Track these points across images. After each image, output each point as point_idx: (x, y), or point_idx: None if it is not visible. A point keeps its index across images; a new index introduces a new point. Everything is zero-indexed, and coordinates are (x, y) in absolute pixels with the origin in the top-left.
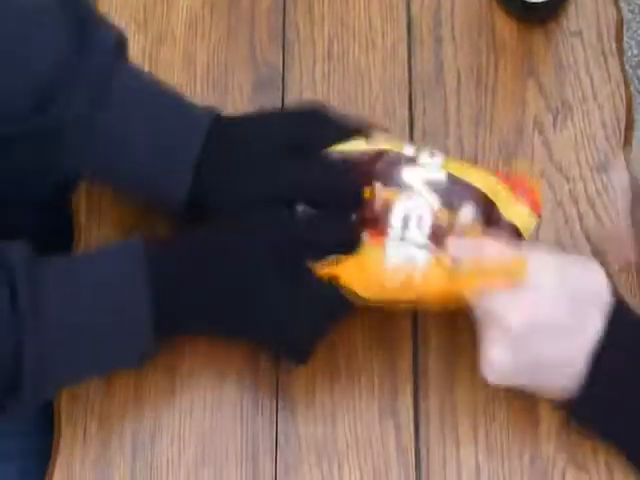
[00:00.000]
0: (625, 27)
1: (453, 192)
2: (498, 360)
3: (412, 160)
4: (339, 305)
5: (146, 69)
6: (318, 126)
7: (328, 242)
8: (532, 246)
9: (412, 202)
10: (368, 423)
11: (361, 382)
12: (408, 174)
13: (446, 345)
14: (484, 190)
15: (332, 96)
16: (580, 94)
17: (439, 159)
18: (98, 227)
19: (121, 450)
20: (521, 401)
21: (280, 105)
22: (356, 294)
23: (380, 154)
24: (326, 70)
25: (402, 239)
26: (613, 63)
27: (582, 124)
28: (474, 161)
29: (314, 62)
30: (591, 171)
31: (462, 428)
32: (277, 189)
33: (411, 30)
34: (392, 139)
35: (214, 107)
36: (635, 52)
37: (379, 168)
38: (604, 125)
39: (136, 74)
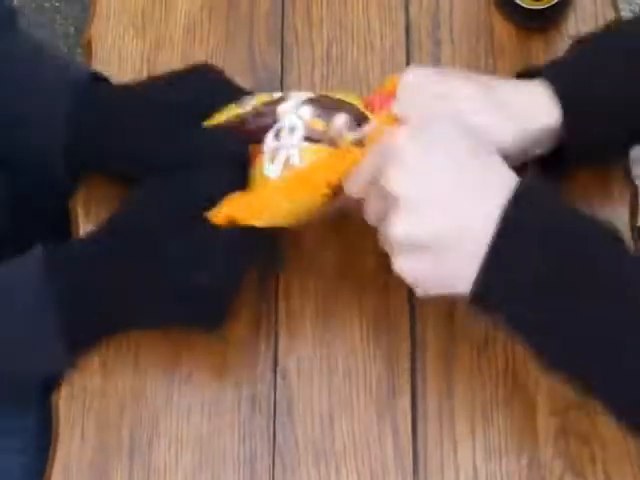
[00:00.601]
0: None
1: (324, 105)
2: (398, 233)
3: (282, 98)
4: (242, 244)
5: (145, 74)
6: (205, 89)
7: (210, 188)
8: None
9: (284, 120)
10: (366, 425)
11: (359, 384)
12: (281, 107)
13: (444, 347)
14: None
15: None
16: None
17: (309, 93)
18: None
19: (119, 453)
20: (519, 405)
21: None
22: (253, 226)
23: (256, 112)
24: (325, 73)
25: (276, 149)
26: None
27: None
28: None
29: (313, 65)
30: None
31: (460, 431)
32: (165, 156)
33: (409, 33)
34: (260, 95)
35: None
36: None
37: (259, 124)
38: None
39: (22, 39)
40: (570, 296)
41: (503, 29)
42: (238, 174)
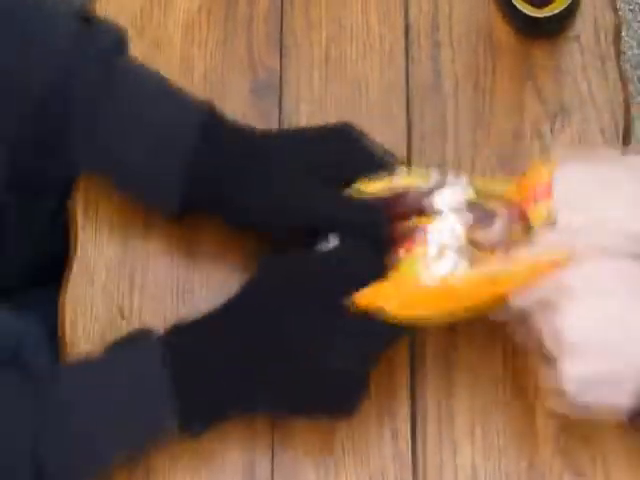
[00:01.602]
0: (625, 27)
1: (483, 208)
2: (573, 375)
3: (439, 187)
4: (383, 334)
5: None
6: (347, 152)
7: (361, 273)
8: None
9: (445, 223)
10: (365, 428)
11: None
12: (438, 200)
13: (443, 349)
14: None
15: (329, 100)
16: (578, 98)
17: (464, 178)
18: (94, 230)
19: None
20: (518, 406)
21: (277, 109)
22: (395, 317)
23: (407, 191)
24: (324, 74)
25: (443, 247)
26: (611, 67)
27: (580, 128)
28: (472, 164)
29: (312, 66)
30: None
31: (459, 432)
32: (304, 218)
33: (409, 34)
34: (415, 172)
35: (213, 106)
36: (636, 52)
37: (408, 204)
38: (602, 129)
39: (137, 70)
40: None
41: (503, 30)
42: (379, 255)
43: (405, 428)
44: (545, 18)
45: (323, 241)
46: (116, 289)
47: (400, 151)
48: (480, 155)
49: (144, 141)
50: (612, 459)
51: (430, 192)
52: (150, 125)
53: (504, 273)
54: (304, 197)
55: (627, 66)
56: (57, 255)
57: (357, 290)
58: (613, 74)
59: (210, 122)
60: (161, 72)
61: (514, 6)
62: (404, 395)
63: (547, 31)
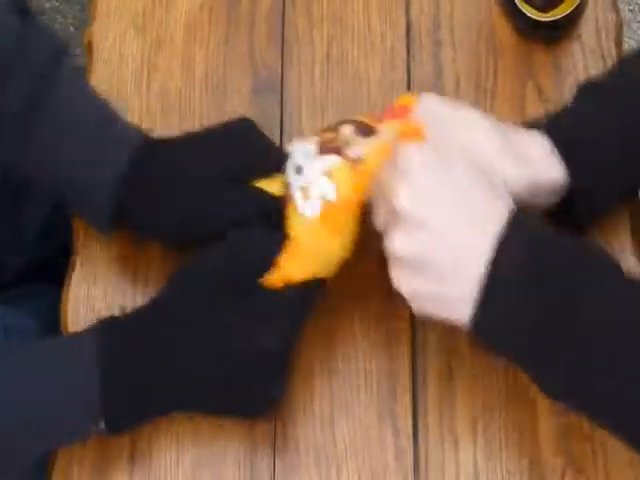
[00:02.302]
0: (625, 27)
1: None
2: (399, 248)
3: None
4: (301, 303)
5: (145, 73)
6: (251, 157)
7: (262, 254)
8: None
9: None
10: (366, 426)
11: (359, 385)
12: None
13: (445, 348)
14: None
15: (330, 99)
16: None
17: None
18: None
19: (119, 452)
20: (520, 403)
21: (279, 108)
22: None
23: None
24: (325, 72)
25: (306, 184)
26: None
27: None
28: None
29: (313, 64)
30: None
31: (461, 431)
32: (211, 221)
33: (410, 33)
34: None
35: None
36: None
37: None
38: None
39: (74, 82)
40: (565, 330)
41: (504, 30)
42: (275, 233)
43: (406, 426)
44: (548, 22)
45: None
46: (118, 288)
47: None
48: None
49: (77, 152)
50: (613, 457)
51: None
52: (83, 138)
53: (360, 171)
54: (219, 202)
55: None
56: (58, 254)
57: (264, 270)
58: None
59: (142, 142)
60: (162, 71)
61: (518, 9)
62: (406, 393)
63: (550, 35)
